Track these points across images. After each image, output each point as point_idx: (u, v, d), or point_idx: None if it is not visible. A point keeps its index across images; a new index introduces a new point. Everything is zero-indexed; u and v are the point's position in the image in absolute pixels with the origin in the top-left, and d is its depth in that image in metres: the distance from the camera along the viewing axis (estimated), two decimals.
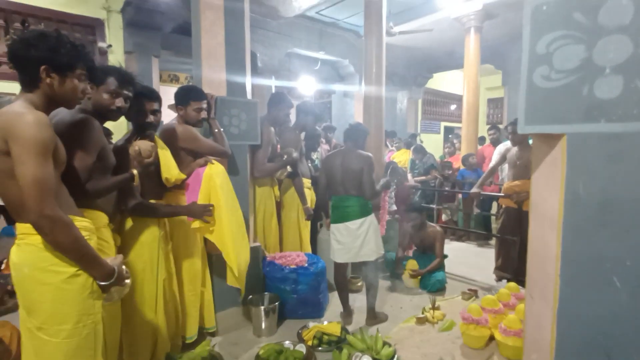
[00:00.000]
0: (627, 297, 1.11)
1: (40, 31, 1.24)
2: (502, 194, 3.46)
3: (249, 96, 2.71)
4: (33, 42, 1.20)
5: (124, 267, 1.39)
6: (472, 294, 3.17)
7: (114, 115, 1.69)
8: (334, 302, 3.03)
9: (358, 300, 3.08)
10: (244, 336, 2.56)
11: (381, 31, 3.89)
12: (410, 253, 3.81)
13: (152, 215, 1.98)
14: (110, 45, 4.67)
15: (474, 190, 3.70)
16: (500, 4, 5.34)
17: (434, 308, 2.76)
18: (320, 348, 2.36)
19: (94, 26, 4.60)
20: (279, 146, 3.16)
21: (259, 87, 5.24)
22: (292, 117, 3.40)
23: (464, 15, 5.68)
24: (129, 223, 1.91)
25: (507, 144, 3.67)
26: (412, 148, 6.08)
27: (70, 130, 1.47)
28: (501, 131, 5.28)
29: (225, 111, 2.53)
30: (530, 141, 3.15)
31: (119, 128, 3.38)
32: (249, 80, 2.71)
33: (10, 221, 3.19)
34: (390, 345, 2.29)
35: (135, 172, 1.74)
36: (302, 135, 3.50)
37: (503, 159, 3.59)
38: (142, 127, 1.96)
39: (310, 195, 3.31)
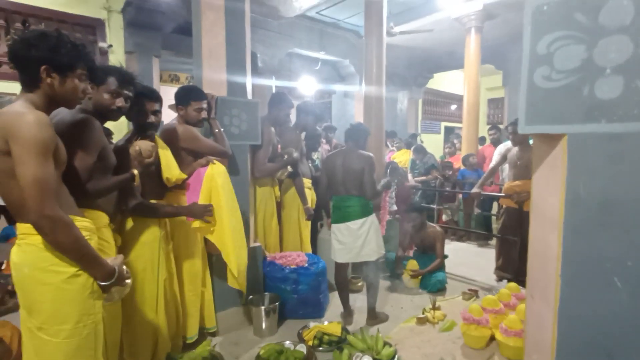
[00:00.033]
0: (628, 297, 1.11)
1: (41, 31, 1.24)
2: (503, 194, 3.46)
3: (249, 96, 2.71)
4: (33, 42, 1.20)
5: (124, 267, 1.39)
6: (472, 294, 3.17)
7: (114, 115, 1.69)
8: (334, 302, 3.03)
9: (358, 301, 3.08)
10: (245, 336, 2.56)
11: (382, 31, 3.89)
12: (411, 253, 3.81)
13: (153, 216, 1.98)
14: (110, 45, 4.67)
15: (475, 190, 3.70)
16: (501, 4, 5.34)
17: (434, 308, 2.76)
18: (320, 348, 2.36)
19: (94, 26, 4.61)
20: (279, 146, 3.16)
21: (260, 87, 5.24)
22: (293, 117, 3.41)
23: (464, 15, 5.68)
24: (129, 223, 1.91)
25: (508, 144, 3.67)
26: (412, 148, 6.08)
27: (71, 130, 1.47)
28: (502, 131, 5.27)
29: (225, 111, 2.53)
30: (531, 141, 3.15)
31: (119, 128, 3.39)
32: (249, 80, 2.71)
33: (11, 221, 3.19)
34: (390, 346, 2.29)
35: (135, 172, 1.74)
36: (303, 135, 3.50)
37: (503, 159, 3.59)
38: (143, 128, 1.96)
39: (310, 195, 3.31)
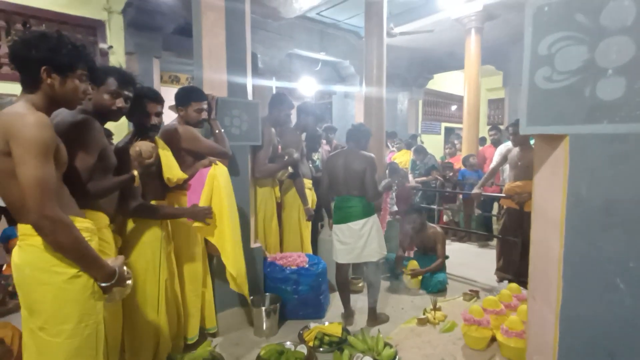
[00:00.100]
0: (630, 298, 1.10)
1: (41, 32, 1.24)
2: (504, 195, 3.46)
3: (249, 97, 2.71)
4: (34, 42, 1.20)
5: (125, 267, 1.39)
6: (473, 295, 3.16)
7: (114, 116, 1.69)
8: (335, 303, 3.03)
9: (359, 301, 3.08)
10: (245, 337, 2.56)
11: (382, 32, 3.89)
12: (412, 254, 3.81)
13: (153, 217, 1.98)
14: (111, 47, 4.68)
15: (475, 191, 3.69)
16: (501, 4, 5.34)
17: (435, 309, 2.76)
18: (321, 349, 2.35)
19: (95, 27, 4.61)
20: (280, 147, 3.16)
21: (260, 88, 5.24)
22: (293, 118, 3.41)
23: (464, 16, 5.68)
24: (130, 224, 1.92)
25: (508, 144, 3.67)
26: (412, 149, 6.08)
27: (71, 131, 1.47)
28: (502, 132, 5.27)
29: (226, 112, 2.53)
30: (532, 142, 3.15)
31: (120, 129, 3.39)
32: (249, 81, 2.71)
33: (12, 222, 3.20)
34: (391, 346, 2.28)
35: (135, 173, 1.74)
36: (303, 136, 3.50)
37: (504, 159, 3.59)
38: (146, 129, 1.96)
39: (311, 195, 3.31)
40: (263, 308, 2.56)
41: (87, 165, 1.50)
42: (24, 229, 1.21)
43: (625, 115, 1.06)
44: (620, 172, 1.10)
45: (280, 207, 3.21)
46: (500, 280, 3.52)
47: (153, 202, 2.01)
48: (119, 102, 1.66)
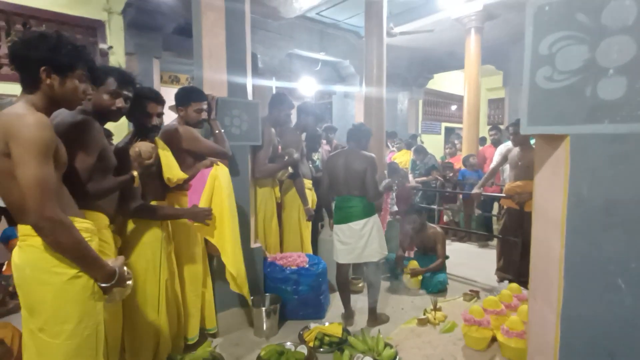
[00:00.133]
0: (631, 298, 1.10)
1: (41, 32, 1.24)
2: (504, 195, 3.46)
3: (250, 97, 2.71)
4: (33, 43, 1.20)
5: (125, 268, 1.38)
6: (473, 295, 3.16)
7: (114, 116, 1.69)
8: (335, 303, 3.03)
9: (359, 301, 3.08)
10: (245, 337, 2.56)
11: (382, 32, 3.89)
12: (412, 254, 3.80)
13: (154, 217, 1.97)
14: (111, 47, 4.68)
15: (475, 191, 3.69)
16: (501, 4, 5.34)
17: (435, 309, 2.76)
18: (321, 349, 2.35)
19: (95, 28, 4.61)
20: (280, 147, 3.16)
21: (260, 88, 5.24)
22: (293, 118, 3.40)
23: (464, 15, 5.68)
24: (130, 224, 1.91)
25: (508, 144, 3.67)
26: (413, 149, 6.08)
27: (71, 132, 1.47)
28: (502, 132, 5.27)
29: (226, 112, 2.53)
30: (532, 141, 3.15)
31: (120, 129, 3.38)
32: (249, 81, 2.71)
33: (12, 222, 3.19)
34: (391, 347, 2.28)
35: (135, 173, 1.74)
36: (303, 136, 3.50)
37: (504, 159, 3.59)
38: (147, 130, 1.95)
39: (311, 195, 3.30)
40: (263, 308, 2.56)
41: (87, 166, 1.50)
42: (24, 230, 1.21)
43: (627, 115, 1.06)
44: (621, 172, 1.10)
45: (280, 207, 3.20)
46: (501, 280, 3.51)
47: (153, 203, 2.01)
48: (119, 102, 1.66)
